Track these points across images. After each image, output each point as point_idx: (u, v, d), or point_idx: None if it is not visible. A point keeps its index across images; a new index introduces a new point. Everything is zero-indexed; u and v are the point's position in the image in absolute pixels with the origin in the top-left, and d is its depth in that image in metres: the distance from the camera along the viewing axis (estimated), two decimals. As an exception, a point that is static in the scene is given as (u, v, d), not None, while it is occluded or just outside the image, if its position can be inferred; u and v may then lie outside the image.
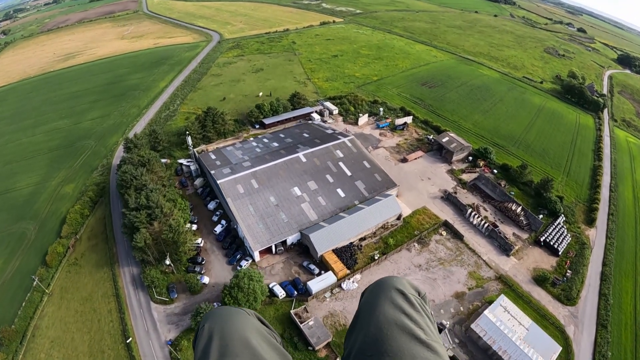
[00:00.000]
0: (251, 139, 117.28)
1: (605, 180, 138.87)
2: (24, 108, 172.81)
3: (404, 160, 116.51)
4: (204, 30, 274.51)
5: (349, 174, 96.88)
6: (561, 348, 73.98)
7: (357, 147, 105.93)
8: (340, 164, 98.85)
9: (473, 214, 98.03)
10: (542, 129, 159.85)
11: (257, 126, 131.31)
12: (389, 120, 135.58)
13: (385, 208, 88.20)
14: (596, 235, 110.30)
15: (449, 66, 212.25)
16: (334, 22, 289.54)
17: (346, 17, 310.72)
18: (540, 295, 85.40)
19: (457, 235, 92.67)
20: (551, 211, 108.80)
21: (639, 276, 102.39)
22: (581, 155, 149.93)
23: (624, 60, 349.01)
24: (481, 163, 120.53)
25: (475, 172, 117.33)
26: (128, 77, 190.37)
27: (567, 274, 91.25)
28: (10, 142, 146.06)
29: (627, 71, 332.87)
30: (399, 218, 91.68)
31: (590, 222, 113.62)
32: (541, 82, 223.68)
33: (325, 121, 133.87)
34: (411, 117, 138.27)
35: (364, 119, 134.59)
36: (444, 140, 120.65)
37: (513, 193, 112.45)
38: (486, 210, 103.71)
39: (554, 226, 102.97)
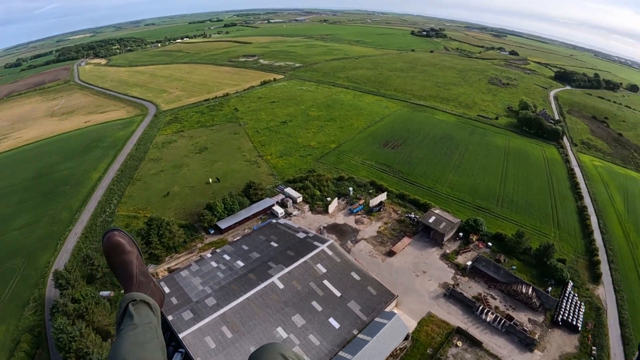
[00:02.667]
0: (208, 254, 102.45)
1: (594, 221, 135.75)
2: None
3: (391, 254, 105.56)
4: (138, 101, 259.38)
5: (338, 294, 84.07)
6: None
7: (339, 254, 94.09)
8: (326, 282, 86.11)
9: (485, 310, 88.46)
10: (516, 176, 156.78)
11: (212, 231, 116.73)
12: (362, 202, 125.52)
13: (391, 334, 76.25)
14: (605, 293, 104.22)
15: (404, 117, 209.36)
16: (274, 79, 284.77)
17: (286, 73, 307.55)
18: (575, 388, 76.13)
19: (474, 342, 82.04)
20: (558, 280, 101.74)
21: None
22: (563, 198, 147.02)
23: (562, 77, 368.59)
24: (474, 238, 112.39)
25: (469, 250, 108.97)
26: (58, 167, 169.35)
27: (594, 352, 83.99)
28: None
29: (568, 87, 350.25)
30: (406, 338, 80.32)
31: (596, 278, 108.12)
32: (496, 118, 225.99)
33: (291, 213, 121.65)
34: (385, 193, 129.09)
35: (333, 204, 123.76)
36: (430, 220, 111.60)
37: (515, 267, 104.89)
38: (494, 299, 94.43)
39: (565, 298, 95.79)
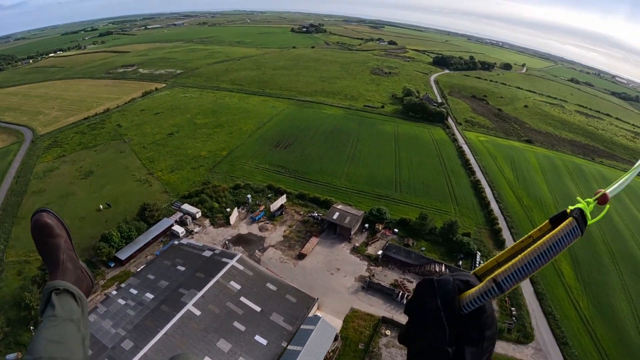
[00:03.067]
0: (114, 291, 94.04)
1: (489, 193, 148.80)
2: None
3: (302, 256, 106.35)
4: (13, 127, 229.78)
5: (258, 309, 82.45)
6: None
7: (251, 267, 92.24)
8: (243, 299, 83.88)
9: (405, 295, 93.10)
10: (409, 160, 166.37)
11: (112, 264, 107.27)
12: (263, 208, 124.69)
13: (321, 338, 76.73)
14: None
15: (292, 115, 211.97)
16: (156, 89, 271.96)
17: (168, 81, 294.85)
18: (505, 349, 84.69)
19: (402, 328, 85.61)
20: (467, 253, 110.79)
21: (562, 277, 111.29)
22: (456, 175, 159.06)
23: (440, 62, 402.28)
24: (380, 227, 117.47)
25: (377, 240, 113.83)
26: None
27: (514, 313, 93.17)
28: None
29: (447, 71, 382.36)
30: (336, 339, 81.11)
31: (500, 245, 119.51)
32: (382, 107, 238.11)
33: (192, 231, 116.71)
34: (284, 195, 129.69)
35: (234, 214, 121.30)
36: (335, 217, 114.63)
37: (424, 248, 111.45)
38: (411, 282, 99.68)
39: (476, 268, 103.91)
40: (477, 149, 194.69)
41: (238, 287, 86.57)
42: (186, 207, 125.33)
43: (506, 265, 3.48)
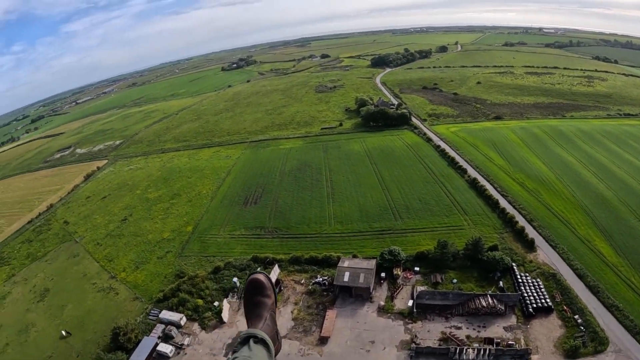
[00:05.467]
0: None
1: (490, 189, 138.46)
2: None
3: (324, 340, 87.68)
4: None
5: None
6: None
7: None
8: None
9: (464, 349, 78.13)
10: (395, 178, 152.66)
11: None
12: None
13: None
14: (548, 255, 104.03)
15: (251, 161, 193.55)
16: (98, 169, 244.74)
17: (109, 156, 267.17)
18: (587, 367, 75.56)
19: (475, 397, 70.48)
20: (503, 270, 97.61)
21: (603, 257, 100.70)
22: (449, 180, 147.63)
23: (379, 62, 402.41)
24: (399, 271, 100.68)
25: (401, 288, 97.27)
26: None
27: (579, 321, 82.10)
28: None
29: (388, 69, 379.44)
30: None
31: (530, 245, 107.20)
32: (340, 124, 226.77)
33: (182, 345, 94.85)
34: (276, 265, 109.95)
35: (225, 308, 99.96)
36: (346, 279, 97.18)
37: (455, 280, 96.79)
38: (460, 329, 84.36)
39: (520, 284, 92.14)
40: (454, 142, 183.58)
41: None
42: (166, 315, 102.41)
43: None
